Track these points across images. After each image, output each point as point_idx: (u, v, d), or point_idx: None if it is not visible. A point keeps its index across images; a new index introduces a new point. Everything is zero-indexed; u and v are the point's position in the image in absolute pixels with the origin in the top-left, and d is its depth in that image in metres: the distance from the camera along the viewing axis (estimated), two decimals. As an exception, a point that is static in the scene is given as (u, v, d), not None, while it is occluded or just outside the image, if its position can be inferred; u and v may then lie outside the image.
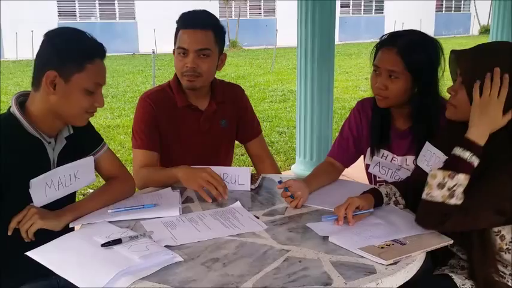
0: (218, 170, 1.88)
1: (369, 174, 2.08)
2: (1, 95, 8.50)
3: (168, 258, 1.31)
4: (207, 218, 1.62)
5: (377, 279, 1.23)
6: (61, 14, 17.77)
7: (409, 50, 1.78)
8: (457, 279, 1.53)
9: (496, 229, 1.50)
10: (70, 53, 1.54)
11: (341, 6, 21.93)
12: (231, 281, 1.22)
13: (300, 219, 1.63)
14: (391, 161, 1.97)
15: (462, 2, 26.50)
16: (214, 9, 16.74)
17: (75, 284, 1.22)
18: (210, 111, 2.16)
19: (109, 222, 1.56)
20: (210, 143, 2.18)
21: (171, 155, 2.14)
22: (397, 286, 1.27)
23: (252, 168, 2.21)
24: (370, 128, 1.99)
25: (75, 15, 18.24)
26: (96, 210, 1.64)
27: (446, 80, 1.85)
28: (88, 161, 1.70)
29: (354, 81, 10.73)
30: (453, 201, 1.41)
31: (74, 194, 1.72)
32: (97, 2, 18.55)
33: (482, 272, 1.50)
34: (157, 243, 1.40)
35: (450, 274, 1.56)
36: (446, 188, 1.41)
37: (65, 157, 1.64)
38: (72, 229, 1.58)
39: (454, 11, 26.40)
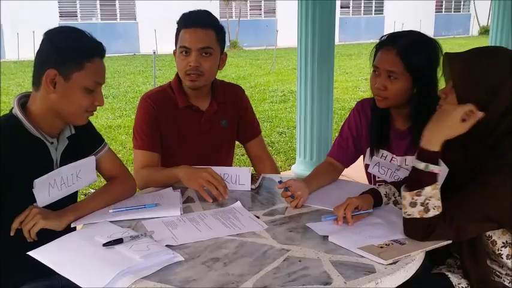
0: (219, 170, 1.89)
1: (368, 174, 2.09)
2: (2, 95, 8.51)
3: (168, 258, 1.32)
4: (207, 218, 1.63)
5: (376, 278, 1.23)
6: (62, 15, 17.76)
7: (409, 51, 1.79)
8: (453, 278, 1.54)
9: (487, 234, 1.48)
10: (70, 52, 1.54)
11: (341, 7, 21.91)
12: (232, 280, 1.23)
13: (300, 219, 1.64)
14: (390, 161, 1.97)
15: (462, 2, 26.48)
16: (214, 9, 16.74)
17: (77, 283, 1.23)
18: (211, 112, 2.17)
19: (110, 222, 1.57)
20: (210, 143, 2.19)
21: (172, 155, 2.15)
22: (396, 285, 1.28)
23: (252, 168, 2.21)
24: (370, 128, 2.00)
25: (76, 16, 18.23)
26: (97, 210, 1.65)
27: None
28: (90, 161, 1.71)
29: (354, 82, 10.73)
30: (431, 213, 1.40)
31: (76, 194, 1.74)
32: (98, 2, 18.55)
33: (475, 274, 1.50)
34: (158, 242, 1.40)
35: (447, 273, 1.56)
36: (418, 204, 1.40)
37: (68, 157, 1.65)
38: (74, 229, 1.59)
39: (454, 12, 26.39)
